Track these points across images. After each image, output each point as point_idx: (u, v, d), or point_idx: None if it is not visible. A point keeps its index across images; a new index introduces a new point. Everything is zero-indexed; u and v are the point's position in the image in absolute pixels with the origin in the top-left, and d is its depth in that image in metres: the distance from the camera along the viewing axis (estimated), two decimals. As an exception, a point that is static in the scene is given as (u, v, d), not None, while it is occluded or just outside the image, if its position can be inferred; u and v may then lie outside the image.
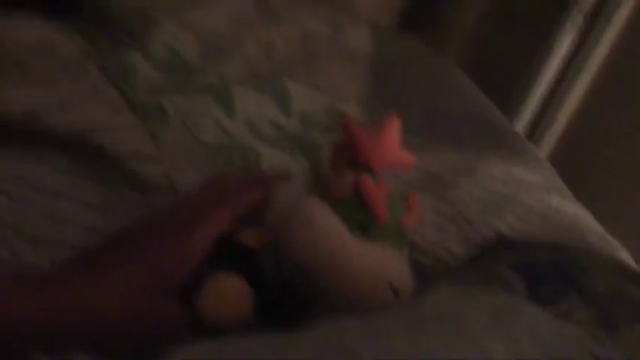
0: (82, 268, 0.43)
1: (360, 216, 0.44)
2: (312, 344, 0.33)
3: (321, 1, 1.19)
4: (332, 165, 0.50)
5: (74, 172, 0.58)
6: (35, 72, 0.64)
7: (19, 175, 0.55)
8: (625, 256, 0.69)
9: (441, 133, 0.90)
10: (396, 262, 0.44)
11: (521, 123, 1.48)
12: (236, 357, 0.33)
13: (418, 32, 1.42)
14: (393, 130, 0.49)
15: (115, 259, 0.43)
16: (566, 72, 1.43)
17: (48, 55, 0.65)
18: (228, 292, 0.43)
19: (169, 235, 0.45)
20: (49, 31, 0.66)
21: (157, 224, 0.47)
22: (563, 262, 0.50)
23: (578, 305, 0.45)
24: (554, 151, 1.48)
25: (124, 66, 0.74)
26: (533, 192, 0.77)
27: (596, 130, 1.37)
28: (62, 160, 0.58)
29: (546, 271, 0.50)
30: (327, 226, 0.43)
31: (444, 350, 0.32)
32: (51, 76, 0.65)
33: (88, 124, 0.58)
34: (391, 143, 0.49)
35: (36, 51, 0.65)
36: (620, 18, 1.29)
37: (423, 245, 0.64)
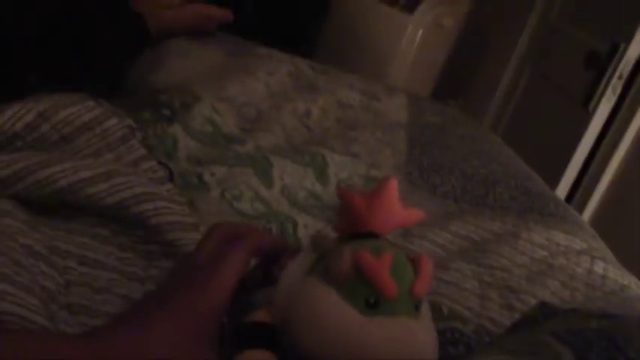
0: (124, 321, 0.44)
1: (366, 292, 0.41)
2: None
3: (355, 72, 1.21)
4: (337, 238, 0.48)
5: (115, 242, 0.59)
6: (80, 146, 0.67)
7: (61, 245, 0.56)
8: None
9: (480, 199, 0.89)
10: (413, 334, 0.42)
11: (562, 187, 1.47)
12: None
13: (454, 100, 1.44)
14: (391, 191, 0.47)
15: (155, 306, 0.44)
16: (606, 134, 1.42)
17: (92, 130, 0.68)
18: None
19: (197, 277, 0.45)
20: (94, 107, 0.69)
21: (183, 269, 0.48)
22: (609, 331, 0.48)
23: (625, 375, 0.43)
24: (596, 214, 1.45)
25: (165, 138, 0.76)
26: (576, 258, 0.75)
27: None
28: (104, 231, 0.60)
29: (592, 339, 0.48)
30: (328, 311, 0.41)
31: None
32: (95, 149, 0.67)
33: (128, 194, 0.59)
34: (391, 204, 0.47)
35: (81, 126, 0.67)
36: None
37: (464, 313, 0.63)
